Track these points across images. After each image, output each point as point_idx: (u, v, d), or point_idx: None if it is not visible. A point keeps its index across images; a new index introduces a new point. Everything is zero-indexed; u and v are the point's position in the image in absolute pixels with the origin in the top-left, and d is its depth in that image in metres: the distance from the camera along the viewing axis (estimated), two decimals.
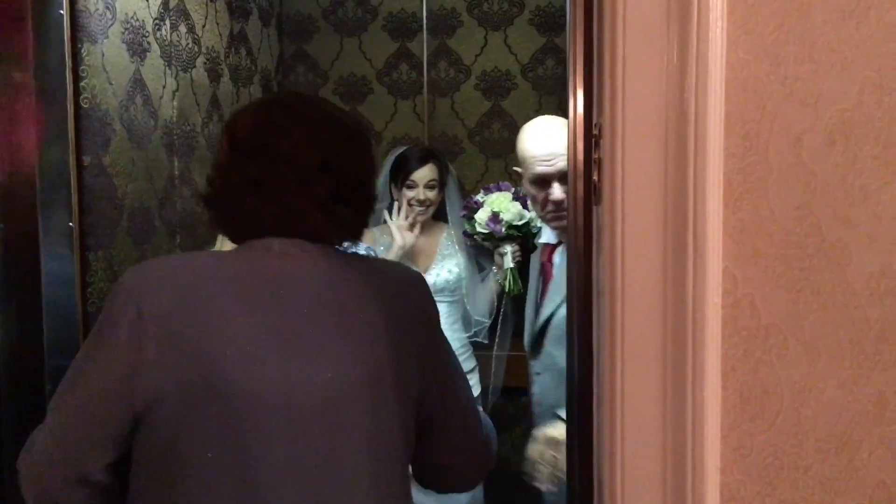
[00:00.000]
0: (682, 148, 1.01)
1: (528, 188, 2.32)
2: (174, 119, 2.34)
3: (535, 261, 2.51)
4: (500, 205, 2.98)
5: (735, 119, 1.02)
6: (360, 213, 1.32)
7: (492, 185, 3.13)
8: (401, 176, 2.92)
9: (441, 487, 1.45)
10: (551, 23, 3.39)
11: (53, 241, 1.82)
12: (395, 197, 2.95)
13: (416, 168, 2.91)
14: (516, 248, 3.00)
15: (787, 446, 1.04)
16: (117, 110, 2.02)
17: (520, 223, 2.97)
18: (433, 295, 1.39)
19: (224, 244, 2.39)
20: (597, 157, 1.14)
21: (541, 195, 2.22)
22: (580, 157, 1.48)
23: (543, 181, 2.19)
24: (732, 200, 1.02)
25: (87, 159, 1.91)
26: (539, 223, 3.04)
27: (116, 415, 1.13)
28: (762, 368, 1.03)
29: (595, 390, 1.20)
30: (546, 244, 2.38)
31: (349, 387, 1.18)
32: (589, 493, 1.25)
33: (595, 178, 1.16)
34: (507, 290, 2.95)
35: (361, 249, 1.96)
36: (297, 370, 1.15)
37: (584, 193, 1.44)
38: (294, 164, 1.22)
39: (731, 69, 1.01)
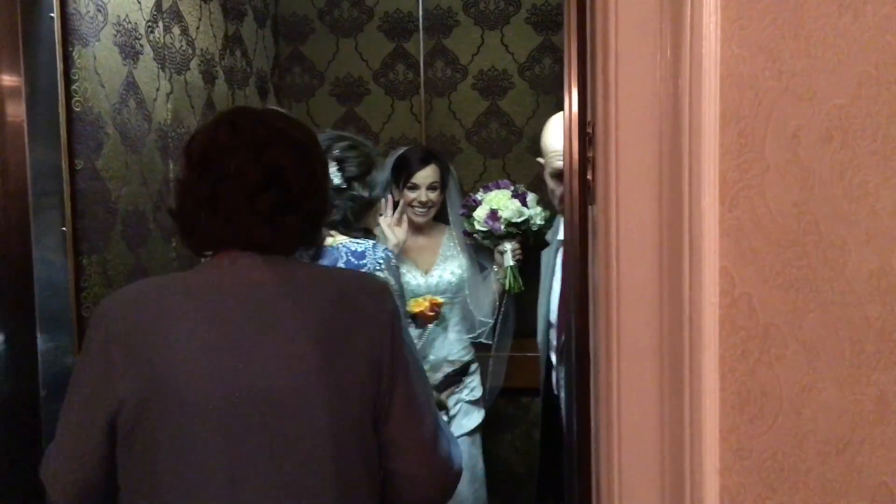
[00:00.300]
0: (676, 145, 0.99)
1: (548, 181, 2.32)
2: (168, 121, 2.32)
3: (547, 257, 2.48)
4: (498, 202, 2.96)
5: (730, 115, 1.00)
6: (308, 222, 1.39)
7: (490, 183, 3.12)
8: (402, 177, 2.90)
9: (395, 498, 1.43)
10: (548, 21, 3.37)
11: (46, 246, 1.81)
12: (396, 198, 2.93)
13: (418, 169, 2.89)
14: (516, 245, 2.99)
15: (787, 448, 1.02)
16: (110, 113, 2.00)
17: (519, 220, 2.95)
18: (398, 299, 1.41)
19: None
20: (591, 155, 1.13)
21: (559, 189, 2.21)
22: (575, 155, 1.47)
23: (562, 175, 2.17)
24: (728, 198, 1.00)
25: (79, 163, 1.89)
26: (539, 221, 3.02)
27: (97, 423, 1.28)
28: (761, 369, 1.02)
29: (591, 392, 1.19)
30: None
31: (284, 390, 1.26)
32: (587, 496, 1.23)
33: (589, 176, 1.14)
34: (507, 288, 2.93)
35: (332, 255, 1.96)
36: (233, 375, 1.25)
37: (580, 192, 1.43)
38: (240, 181, 1.31)
39: (725, 65, 0.99)
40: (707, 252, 0.99)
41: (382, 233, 2.81)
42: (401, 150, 3.05)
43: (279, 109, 1.68)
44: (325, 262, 1.99)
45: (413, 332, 2.72)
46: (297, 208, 1.36)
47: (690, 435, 1.01)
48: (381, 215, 2.82)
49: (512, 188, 3.07)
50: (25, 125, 1.76)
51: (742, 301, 1.01)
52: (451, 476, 1.45)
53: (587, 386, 1.27)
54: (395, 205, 2.89)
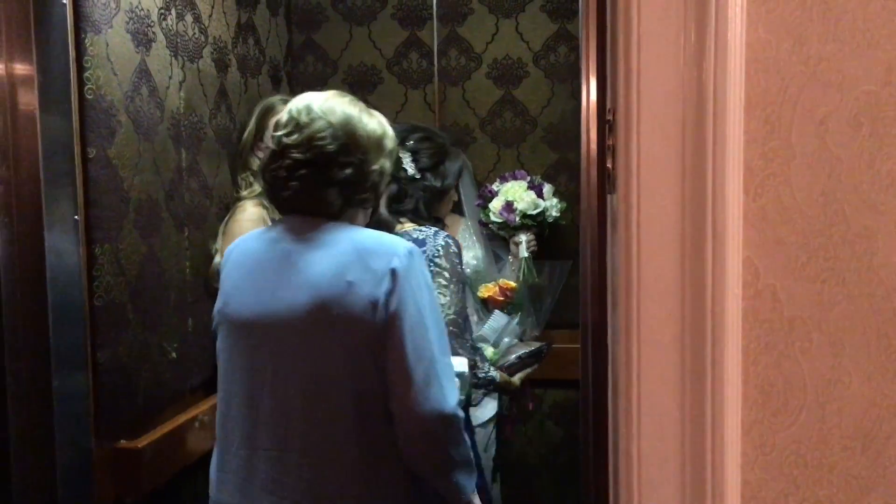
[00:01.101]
0: (700, 132, 0.96)
1: None
2: (181, 110, 2.30)
3: None
4: (514, 194, 2.93)
5: (756, 102, 0.97)
6: (344, 192, 1.68)
7: (507, 173, 3.09)
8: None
9: (399, 437, 1.62)
10: (564, 9, 3.33)
11: (59, 235, 1.80)
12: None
13: None
14: (531, 237, 2.96)
15: (811, 443, 1.00)
16: (122, 101, 1.98)
17: (534, 212, 2.92)
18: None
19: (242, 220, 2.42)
20: (610, 143, 1.10)
21: None
22: (593, 144, 1.45)
23: None
24: (753, 187, 0.98)
25: (91, 151, 1.88)
26: (555, 213, 2.99)
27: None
28: (785, 362, 0.99)
29: (610, 384, 1.16)
30: None
31: (293, 315, 1.60)
32: (604, 491, 1.21)
33: (609, 165, 1.11)
34: (520, 278, 2.90)
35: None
36: (259, 303, 1.64)
37: (598, 181, 1.40)
38: (282, 159, 1.67)
39: (751, 49, 0.97)
40: (730, 242, 0.97)
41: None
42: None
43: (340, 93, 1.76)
44: None
45: (500, 318, 2.68)
46: (332, 181, 1.65)
47: (712, 429, 0.98)
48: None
49: (528, 179, 3.04)
50: (38, 113, 1.75)
51: (766, 292, 0.99)
52: (441, 422, 1.58)
53: (604, 378, 1.25)
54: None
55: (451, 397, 1.60)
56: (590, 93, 1.48)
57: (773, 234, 0.98)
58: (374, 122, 1.73)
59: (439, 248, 2.21)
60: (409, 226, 2.27)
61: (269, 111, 2.55)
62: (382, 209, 2.16)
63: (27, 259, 1.72)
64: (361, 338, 1.57)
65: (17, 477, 1.71)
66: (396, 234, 2.11)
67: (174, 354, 2.23)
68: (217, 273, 2.42)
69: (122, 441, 2.00)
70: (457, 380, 1.70)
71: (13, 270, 1.69)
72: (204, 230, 2.44)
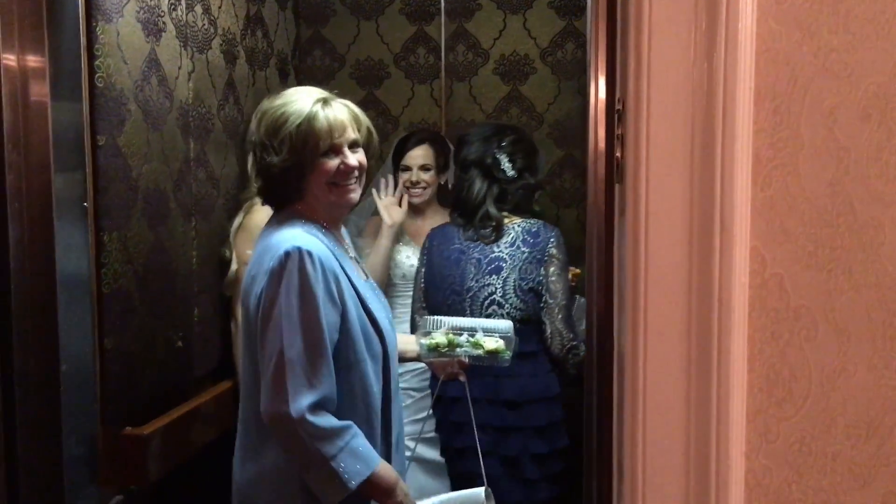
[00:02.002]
0: (709, 122, 0.97)
1: None
2: (190, 100, 2.31)
3: None
4: None
5: (765, 92, 0.98)
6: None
7: None
8: (398, 159, 2.90)
9: None
10: (572, 6, 3.34)
11: (68, 222, 1.81)
12: (397, 180, 2.93)
13: (410, 150, 2.87)
14: None
15: (815, 432, 1.00)
16: (132, 90, 1.99)
17: None
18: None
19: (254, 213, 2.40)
20: (619, 132, 1.11)
21: None
22: (601, 136, 1.45)
23: None
24: (761, 177, 0.99)
25: (101, 139, 1.89)
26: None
27: None
28: (790, 351, 1.00)
29: (615, 372, 1.17)
30: None
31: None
32: (608, 477, 1.22)
33: (618, 154, 1.12)
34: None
35: (509, 233, 2.46)
36: None
37: (606, 175, 1.41)
38: None
39: (761, 40, 0.97)
40: (738, 231, 0.97)
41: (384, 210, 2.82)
42: (403, 134, 3.04)
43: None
44: (504, 239, 2.46)
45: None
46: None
47: (717, 417, 0.99)
48: (379, 196, 2.84)
49: None
50: (49, 103, 1.76)
51: (773, 282, 0.99)
52: (277, 422, 1.64)
53: (609, 365, 1.26)
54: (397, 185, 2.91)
55: (294, 400, 1.60)
56: (598, 86, 1.49)
57: (781, 223, 0.99)
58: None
59: (552, 239, 2.43)
60: (516, 219, 2.50)
61: None
62: (491, 208, 2.48)
63: (37, 245, 1.73)
64: (253, 331, 1.70)
65: (24, 462, 1.72)
66: (506, 226, 2.46)
67: (180, 343, 2.24)
68: (234, 282, 2.41)
69: (127, 428, 2.01)
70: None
71: (23, 256, 1.70)
72: (211, 221, 2.45)
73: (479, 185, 2.51)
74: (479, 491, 2.00)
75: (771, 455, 1.01)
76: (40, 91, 1.76)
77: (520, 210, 2.53)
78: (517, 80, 3.41)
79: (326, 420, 1.64)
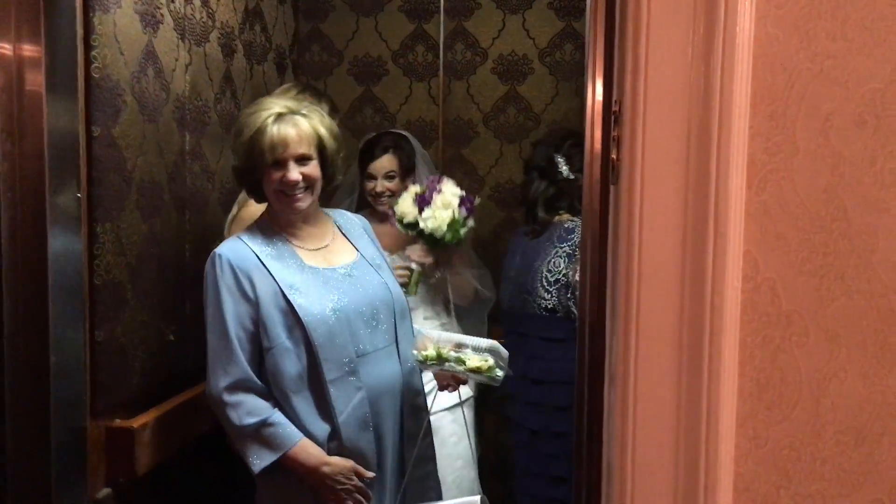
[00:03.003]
0: (705, 125, 0.97)
1: None
2: (186, 93, 2.31)
3: None
4: (403, 205, 2.74)
5: (761, 97, 0.98)
6: None
7: (432, 177, 2.83)
8: (362, 166, 2.86)
9: None
10: (571, 7, 3.33)
11: (61, 212, 1.80)
12: (361, 186, 2.90)
13: (374, 159, 2.83)
14: (420, 249, 2.73)
15: (804, 437, 1.00)
16: (129, 81, 1.98)
17: (413, 223, 2.69)
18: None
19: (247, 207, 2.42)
20: (615, 134, 1.11)
21: None
22: (597, 138, 1.45)
23: None
24: (756, 181, 0.99)
25: (96, 130, 1.88)
26: (448, 234, 2.70)
27: None
28: (781, 356, 1.00)
29: (606, 374, 1.17)
30: None
31: None
32: (597, 479, 1.22)
33: (613, 156, 1.12)
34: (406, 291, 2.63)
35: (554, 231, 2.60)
36: None
37: (601, 177, 1.41)
38: None
39: (759, 44, 0.97)
40: (732, 235, 0.98)
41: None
42: (369, 136, 2.97)
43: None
44: (545, 235, 2.67)
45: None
46: None
47: (707, 420, 0.99)
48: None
49: (465, 195, 2.74)
50: (44, 92, 1.75)
51: (765, 286, 1.00)
52: (208, 398, 1.97)
53: (599, 367, 1.25)
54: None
55: (211, 382, 1.95)
56: (595, 88, 1.48)
57: (774, 228, 0.99)
58: None
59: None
60: (565, 217, 2.68)
61: None
62: (540, 207, 2.69)
63: (29, 235, 1.72)
64: None
65: (12, 453, 1.72)
66: (553, 224, 2.66)
67: (171, 336, 2.23)
68: None
69: (117, 420, 2.00)
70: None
71: (15, 246, 1.70)
72: (205, 214, 2.44)
73: (535, 186, 2.74)
74: (476, 498, 2.04)
75: (760, 460, 1.01)
76: (36, 81, 1.75)
77: (574, 210, 2.69)
78: (515, 80, 3.40)
79: (239, 399, 1.93)
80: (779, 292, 0.99)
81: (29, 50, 1.74)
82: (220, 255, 1.96)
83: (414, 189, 2.74)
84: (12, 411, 1.70)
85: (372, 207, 2.91)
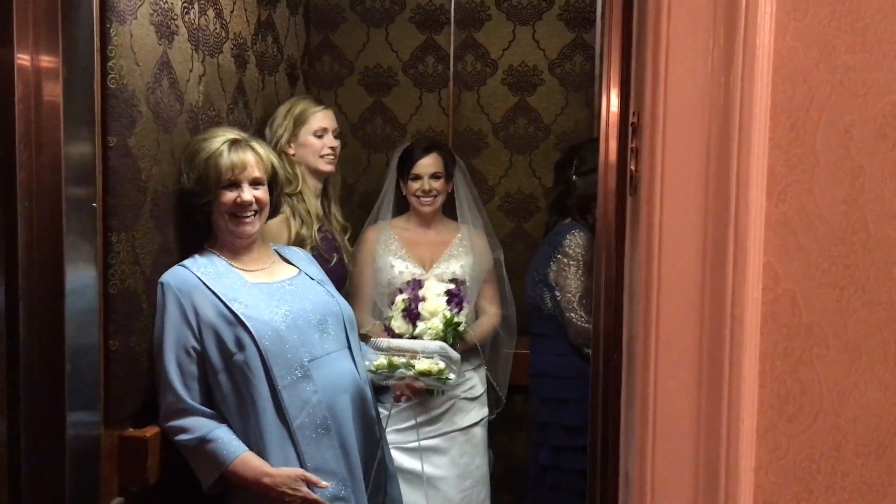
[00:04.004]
0: (725, 136, 0.98)
1: None
2: (200, 104, 2.32)
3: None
4: (396, 325, 2.67)
5: (781, 108, 0.98)
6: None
7: (411, 282, 2.76)
8: (406, 169, 2.88)
9: None
10: (581, 18, 3.34)
11: (77, 221, 1.80)
12: (403, 192, 2.92)
13: (420, 158, 2.86)
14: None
15: (825, 449, 1.00)
16: (144, 92, 2.00)
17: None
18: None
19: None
20: (634, 145, 1.11)
21: None
22: (613, 149, 1.46)
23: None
24: (776, 193, 0.99)
25: (112, 140, 1.89)
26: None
27: None
28: (801, 368, 1.00)
29: (624, 384, 1.17)
30: None
31: None
32: (614, 489, 1.22)
33: (631, 167, 1.12)
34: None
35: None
36: None
37: (617, 188, 1.41)
38: None
39: (778, 56, 0.98)
40: (752, 246, 0.98)
41: (392, 227, 2.96)
42: (406, 145, 3.01)
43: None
44: (547, 236, 2.90)
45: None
46: None
47: (727, 431, 0.99)
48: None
49: (444, 288, 2.68)
50: (62, 103, 1.76)
51: (785, 298, 1.00)
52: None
53: (615, 379, 1.25)
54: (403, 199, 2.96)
55: (160, 408, 2.02)
56: (610, 99, 1.49)
57: (795, 239, 0.99)
58: None
59: (566, 239, 2.77)
60: (567, 222, 2.85)
61: (307, 112, 2.61)
62: (550, 210, 2.96)
63: (46, 245, 1.73)
64: None
65: (27, 461, 1.72)
66: (555, 226, 2.87)
67: None
68: None
69: (129, 429, 2.00)
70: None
71: (32, 254, 1.71)
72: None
73: (553, 192, 2.99)
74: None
75: (780, 472, 1.01)
76: (53, 91, 1.76)
77: (572, 214, 2.85)
78: (525, 91, 3.41)
79: (179, 422, 2.00)
80: (799, 304, 0.99)
81: (47, 61, 1.75)
82: (161, 283, 2.03)
83: (401, 302, 2.69)
84: (27, 420, 1.70)
85: (409, 213, 2.93)
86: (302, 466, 2.00)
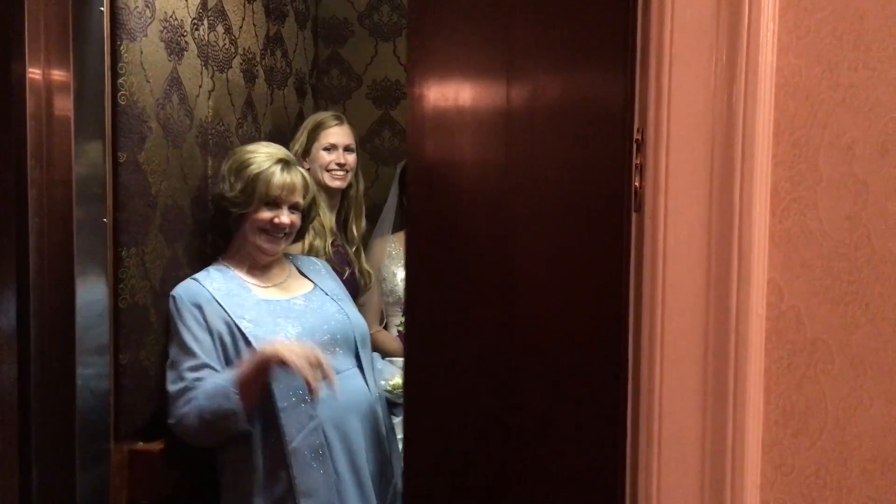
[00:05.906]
0: (728, 154, 0.98)
1: None
2: (209, 119, 2.34)
3: None
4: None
5: (784, 125, 0.99)
6: None
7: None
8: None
9: None
10: None
11: (87, 237, 1.82)
12: (405, 203, 2.95)
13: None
14: None
15: (830, 465, 1.00)
16: (154, 108, 2.02)
17: None
18: None
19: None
20: (638, 162, 1.12)
21: None
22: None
23: None
24: (780, 209, 0.99)
25: (122, 156, 1.91)
26: None
27: None
28: (807, 384, 1.00)
29: (629, 402, 1.17)
30: None
31: None
32: None
33: (636, 184, 1.13)
34: None
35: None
36: None
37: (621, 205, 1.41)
38: None
39: (781, 74, 0.98)
40: (756, 263, 0.98)
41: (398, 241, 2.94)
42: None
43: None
44: None
45: None
46: None
47: (732, 448, 0.99)
48: None
49: None
50: (73, 118, 1.78)
51: (790, 314, 1.00)
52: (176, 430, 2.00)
53: (621, 393, 1.25)
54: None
55: (173, 412, 2.00)
56: None
57: (798, 256, 0.99)
58: None
59: None
60: None
61: (320, 127, 2.63)
62: None
63: (56, 259, 1.75)
64: None
65: (38, 475, 1.74)
66: None
67: None
68: None
69: (139, 443, 2.01)
70: None
71: (43, 270, 1.72)
72: (228, 238, 2.46)
73: None
74: None
75: (786, 488, 1.01)
76: (64, 107, 1.78)
77: None
78: None
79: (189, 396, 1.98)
80: (803, 320, 0.99)
81: (58, 76, 1.77)
82: (173, 297, 2.05)
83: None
84: (38, 433, 1.72)
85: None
86: (291, 489, 1.97)
